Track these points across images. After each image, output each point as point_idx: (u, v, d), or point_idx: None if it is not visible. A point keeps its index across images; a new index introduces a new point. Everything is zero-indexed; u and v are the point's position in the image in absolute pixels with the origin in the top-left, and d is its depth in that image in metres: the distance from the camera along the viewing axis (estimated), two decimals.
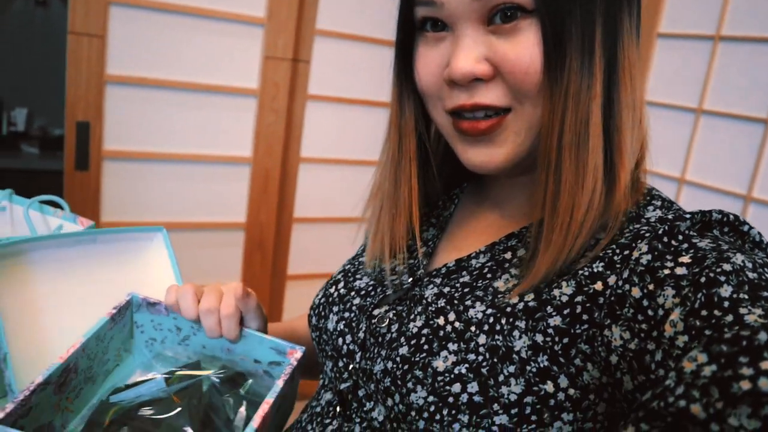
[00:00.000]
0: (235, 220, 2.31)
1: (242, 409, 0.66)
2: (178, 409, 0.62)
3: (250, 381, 0.70)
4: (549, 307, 0.56)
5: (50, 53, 3.65)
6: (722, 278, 0.45)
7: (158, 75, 2.04)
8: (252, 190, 2.29)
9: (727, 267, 0.46)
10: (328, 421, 0.69)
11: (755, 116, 1.94)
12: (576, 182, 0.56)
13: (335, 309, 0.72)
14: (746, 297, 0.44)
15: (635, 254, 0.53)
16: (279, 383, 0.64)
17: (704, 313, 0.44)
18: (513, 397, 0.53)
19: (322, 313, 0.74)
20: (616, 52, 0.57)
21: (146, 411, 0.62)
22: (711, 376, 0.35)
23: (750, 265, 0.47)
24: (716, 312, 0.44)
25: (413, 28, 0.63)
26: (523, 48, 0.55)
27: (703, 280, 0.46)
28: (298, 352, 0.70)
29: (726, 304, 0.44)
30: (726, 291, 0.45)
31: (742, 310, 0.43)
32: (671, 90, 2.07)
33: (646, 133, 0.63)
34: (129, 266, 0.85)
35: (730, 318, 0.43)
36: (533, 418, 0.53)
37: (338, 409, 0.68)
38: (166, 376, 0.67)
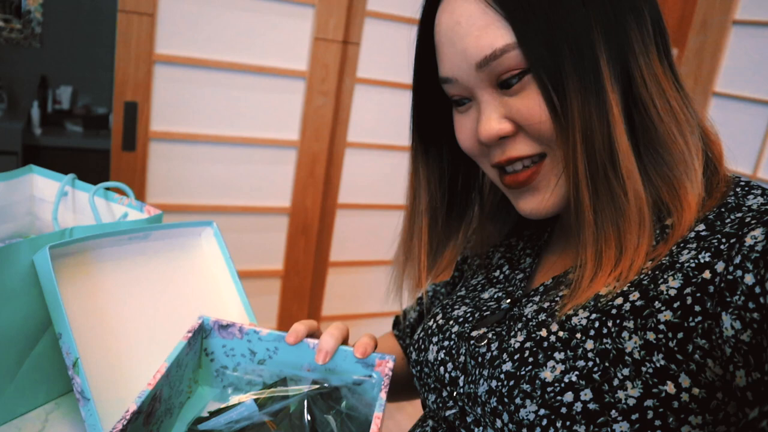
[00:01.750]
0: (280, 205, 2.28)
1: (348, 424, 0.63)
2: None
3: (347, 399, 0.66)
4: (657, 302, 0.53)
5: (96, 31, 3.65)
6: None
7: (207, 55, 2.00)
8: (298, 174, 2.25)
9: None
10: None
11: None
12: (616, 213, 0.57)
13: (434, 339, 0.72)
14: None
15: (748, 240, 0.50)
16: (382, 396, 0.62)
17: None
18: (631, 402, 0.50)
19: (422, 346, 0.73)
20: (631, 72, 0.58)
21: None
22: None
23: None
24: None
25: (432, 96, 0.71)
26: (531, 101, 0.58)
27: None
28: (389, 362, 0.66)
29: None
30: None
31: None
32: (747, 81, 1.96)
33: (708, 131, 0.64)
34: (182, 261, 0.82)
35: None
36: (657, 423, 0.50)
37: None
38: (256, 397, 0.63)
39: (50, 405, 0.77)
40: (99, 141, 3.42)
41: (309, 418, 0.61)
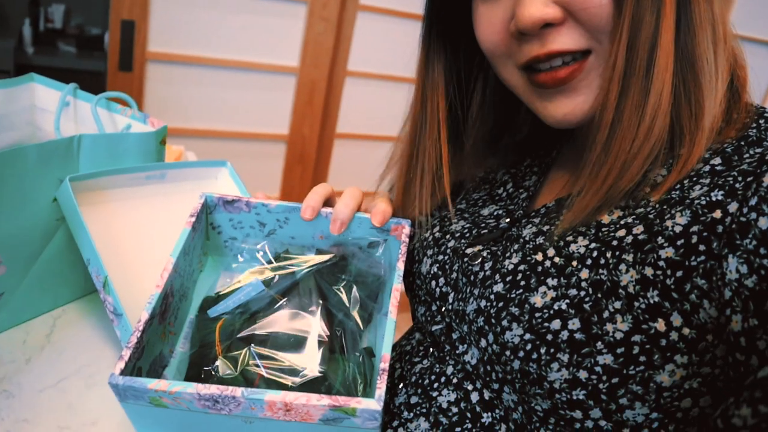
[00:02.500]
0: (277, 132, 2.26)
1: (354, 292, 0.63)
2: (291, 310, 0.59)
3: (354, 265, 0.66)
4: (660, 237, 0.50)
5: None
6: None
7: None
8: (296, 101, 2.22)
9: None
10: (417, 359, 0.66)
11: None
12: (640, 105, 0.52)
13: (429, 252, 0.69)
14: None
15: (767, 180, 0.46)
16: (400, 266, 0.61)
17: None
18: (619, 335, 0.49)
19: (416, 257, 0.71)
20: None
21: (261, 322, 0.58)
22: None
23: None
24: None
25: None
26: None
27: None
28: (405, 227, 0.65)
29: None
30: None
31: None
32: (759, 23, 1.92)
33: (737, 53, 0.58)
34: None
35: None
36: (641, 359, 0.48)
37: (431, 349, 0.66)
38: (262, 277, 0.63)
39: (57, 311, 0.78)
40: (92, 62, 3.34)
41: (317, 292, 0.61)
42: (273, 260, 0.66)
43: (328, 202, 0.69)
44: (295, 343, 0.57)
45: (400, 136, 0.75)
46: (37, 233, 0.70)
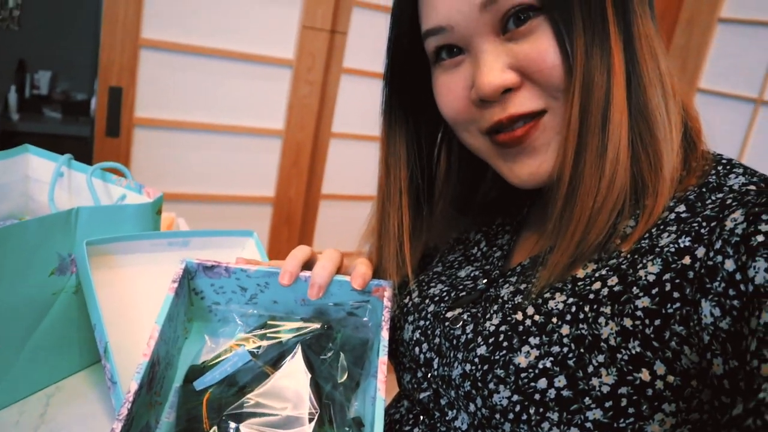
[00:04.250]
0: (263, 194, 2.27)
1: (342, 361, 0.62)
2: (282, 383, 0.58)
3: (340, 333, 0.65)
4: (635, 288, 0.51)
5: (76, 16, 3.59)
6: None
7: (194, 41, 1.98)
8: (282, 163, 2.25)
9: None
10: (408, 428, 0.66)
11: None
12: (599, 160, 0.54)
13: (410, 318, 0.69)
14: None
15: (729, 224, 0.48)
16: (384, 335, 0.60)
17: None
18: (606, 389, 0.49)
19: (398, 324, 0.71)
20: (631, 28, 0.55)
21: (249, 396, 0.57)
22: None
23: None
24: None
25: (410, 59, 0.65)
26: (544, 44, 0.54)
27: None
28: (387, 289, 0.65)
29: None
30: None
31: None
32: (731, 78, 2.00)
33: (688, 105, 0.61)
34: None
35: None
36: (630, 410, 0.49)
37: (421, 417, 0.65)
38: (245, 341, 0.62)
39: (51, 388, 0.76)
40: (78, 127, 3.36)
41: (306, 364, 0.60)
42: (258, 327, 0.66)
43: (309, 264, 0.69)
44: (286, 419, 0.56)
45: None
46: (33, 308, 0.69)
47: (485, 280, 0.66)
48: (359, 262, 0.68)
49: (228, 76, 2.06)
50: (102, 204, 0.84)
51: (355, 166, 2.41)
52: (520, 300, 0.59)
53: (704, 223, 0.51)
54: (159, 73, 1.97)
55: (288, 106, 2.18)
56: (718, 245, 0.48)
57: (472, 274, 0.69)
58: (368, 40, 2.26)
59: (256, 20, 2.05)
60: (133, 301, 0.72)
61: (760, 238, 0.45)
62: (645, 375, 0.49)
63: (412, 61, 0.66)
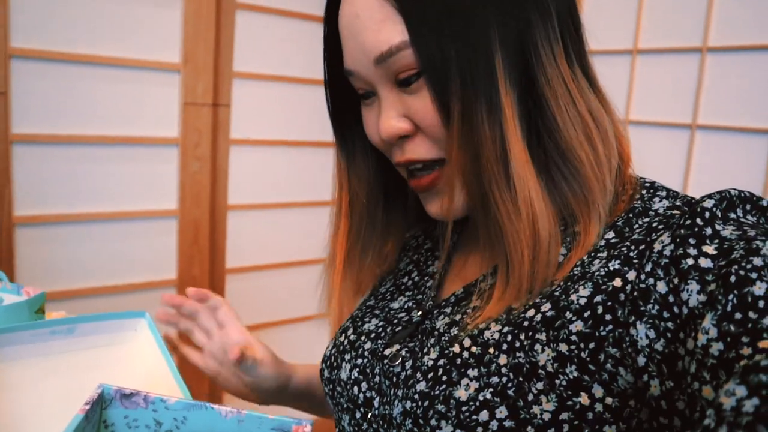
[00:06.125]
0: (165, 278, 2.18)
1: None
2: None
3: None
4: (568, 312, 0.52)
5: None
6: (753, 275, 0.42)
7: (70, 131, 1.91)
8: (181, 243, 2.17)
9: (757, 261, 0.42)
10: None
11: (755, 127, 1.80)
12: (512, 214, 0.55)
13: (347, 357, 0.68)
14: None
15: (657, 246, 0.49)
16: None
17: (738, 316, 0.41)
18: (547, 416, 0.49)
19: (335, 364, 0.69)
20: (532, 74, 0.56)
21: None
22: (754, 412, 0.32)
23: None
24: (751, 314, 0.40)
25: (343, 86, 0.67)
26: (427, 103, 0.57)
27: (732, 279, 0.42)
28: (307, 427, 0.62)
29: (761, 304, 0.40)
30: (760, 289, 0.41)
31: None
32: (660, 106, 2.03)
33: (618, 132, 0.62)
34: (113, 355, 0.76)
35: (767, 322, 0.39)
36: None
37: None
38: None
39: None
40: None
41: None
42: None
43: (216, 313, 0.71)
44: None
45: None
46: None
47: (419, 312, 0.66)
48: (259, 344, 0.72)
49: (112, 161, 1.99)
50: None
51: (258, 235, 2.37)
52: (456, 332, 0.59)
53: (633, 247, 0.52)
54: (35, 168, 1.87)
55: (179, 184, 2.12)
56: (648, 267, 0.49)
57: (405, 306, 0.69)
58: (253, 109, 2.25)
59: (138, 101, 2.00)
60: (15, 398, 0.65)
61: (690, 261, 0.46)
62: (584, 399, 0.49)
63: (347, 89, 0.68)
